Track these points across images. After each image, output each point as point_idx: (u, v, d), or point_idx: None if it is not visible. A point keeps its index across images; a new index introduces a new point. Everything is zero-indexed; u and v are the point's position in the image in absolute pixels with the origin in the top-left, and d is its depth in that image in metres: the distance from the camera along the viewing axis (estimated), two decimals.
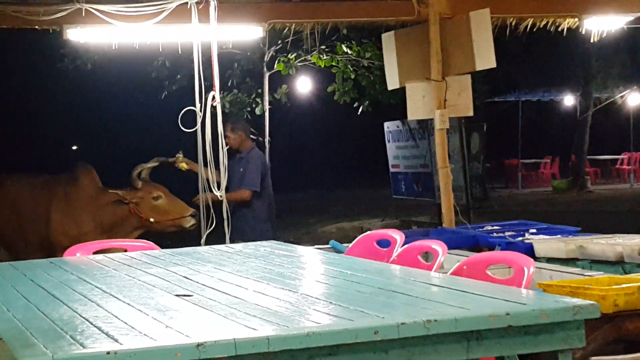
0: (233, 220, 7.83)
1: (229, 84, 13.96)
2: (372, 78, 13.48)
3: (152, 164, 8.46)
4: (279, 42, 13.13)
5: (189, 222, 8.21)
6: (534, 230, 6.86)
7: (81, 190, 8.52)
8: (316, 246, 6.78)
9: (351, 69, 13.28)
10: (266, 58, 13.39)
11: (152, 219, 8.24)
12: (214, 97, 6.72)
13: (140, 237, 7.87)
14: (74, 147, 27.30)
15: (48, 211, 8.52)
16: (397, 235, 4.63)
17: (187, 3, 6.79)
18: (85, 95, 23.09)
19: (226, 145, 8.18)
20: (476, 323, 2.65)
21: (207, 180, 6.92)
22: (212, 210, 6.87)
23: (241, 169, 8.18)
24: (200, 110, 6.70)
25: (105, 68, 14.87)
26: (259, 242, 5.17)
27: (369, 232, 5.04)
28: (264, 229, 8.11)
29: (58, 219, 8.46)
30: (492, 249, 6.25)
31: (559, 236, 6.56)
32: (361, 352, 2.57)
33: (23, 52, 20.38)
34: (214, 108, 6.73)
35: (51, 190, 8.66)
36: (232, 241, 6.68)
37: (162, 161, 8.48)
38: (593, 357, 3.99)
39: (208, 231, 6.86)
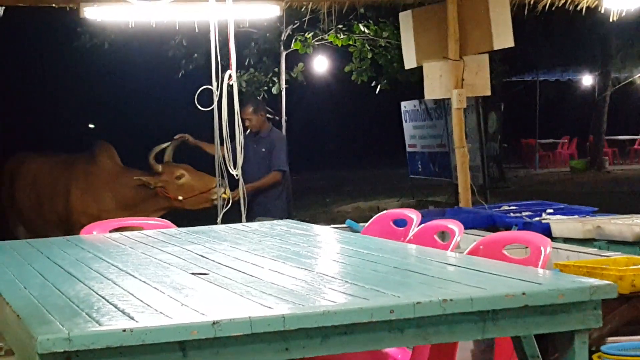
0: (259, 200, 7.99)
1: (246, 63, 13.94)
2: (389, 57, 13.44)
3: (168, 144, 8.45)
4: (296, 21, 13.09)
5: (216, 195, 8.18)
6: (551, 211, 6.83)
7: (101, 168, 8.53)
8: (332, 225, 6.78)
9: (368, 48, 13.23)
10: (283, 37, 13.35)
11: (180, 197, 8.26)
12: (230, 76, 6.70)
13: (161, 216, 7.88)
14: (91, 126, 27.34)
15: (67, 189, 8.54)
16: (414, 215, 4.62)
17: None
18: (102, 74, 23.12)
19: (246, 127, 8.15)
20: (492, 302, 2.64)
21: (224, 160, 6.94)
22: (228, 189, 6.86)
23: (263, 149, 8.20)
24: (217, 89, 6.69)
25: (122, 47, 14.88)
26: (274, 221, 5.17)
27: (385, 212, 5.03)
28: (285, 207, 8.18)
29: (77, 197, 8.48)
30: (508, 229, 6.23)
31: (576, 216, 6.53)
32: (377, 331, 2.57)
33: (40, 30, 20.41)
34: (230, 87, 6.71)
35: (71, 168, 8.68)
36: (255, 220, 6.71)
37: (182, 138, 8.46)
38: (610, 338, 3.98)
39: (225, 209, 6.86)
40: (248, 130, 8.25)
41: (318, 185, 20.96)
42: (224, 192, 7.46)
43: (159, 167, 8.28)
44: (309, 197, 17.99)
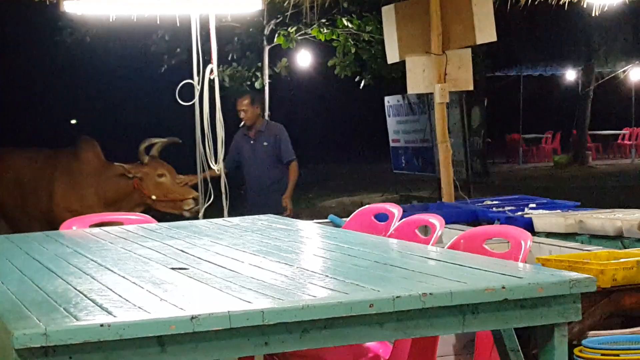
0: (267, 193, 8.11)
1: (229, 58, 13.92)
2: (373, 52, 13.42)
3: (160, 140, 8.43)
4: (279, 15, 13.06)
5: (189, 205, 8.17)
6: (534, 205, 6.84)
7: (84, 163, 8.49)
8: (315, 220, 6.77)
9: (352, 43, 13.21)
10: (266, 32, 13.32)
11: (153, 197, 8.21)
12: (211, 70, 6.68)
13: (143, 211, 7.84)
14: (73, 121, 27.24)
15: (51, 185, 8.50)
16: (395, 209, 4.61)
17: None
18: (84, 69, 23.01)
19: (240, 120, 8.26)
20: (472, 296, 2.64)
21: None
22: (209, 185, 6.84)
23: (265, 144, 8.22)
24: (198, 84, 6.67)
25: (104, 41, 14.82)
26: (256, 216, 5.15)
27: (366, 206, 5.02)
28: (280, 200, 8.17)
29: (60, 192, 8.45)
30: (491, 223, 6.23)
31: (558, 211, 6.53)
32: (356, 325, 2.56)
33: (21, 25, 20.30)
34: (212, 81, 6.69)
35: (54, 164, 8.64)
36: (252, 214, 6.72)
37: (174, 141, 8.48)
38: (591, 332, 3.98)
39: (206, 205, 6.84)
40: (242, 123, 8.26)
41: (301, 180, 20.89)
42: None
43: (146, 158, 8.25)
44: None
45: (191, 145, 6.95)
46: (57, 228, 5.76)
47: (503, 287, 2.65)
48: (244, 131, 8.39)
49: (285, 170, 8.27)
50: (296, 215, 8.73)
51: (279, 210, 7.54)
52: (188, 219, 6.99)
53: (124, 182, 8.25)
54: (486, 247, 3.70)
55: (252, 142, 8.27)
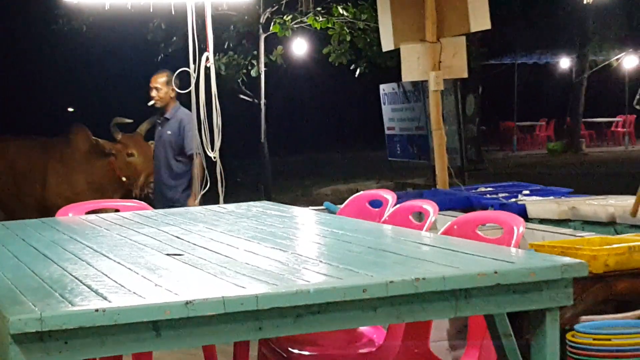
0: (169, 191, 7.25)
1: (225, 46, 13.92)
2: (368, 40, 13.44)
3: (125, 120, 8.36)
4: (275, 4, 13.06)
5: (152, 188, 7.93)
6: (527, 192, 6.86)
7: (75, 151, 8.52)
8: (311, 208, 6.78)
9: (347, 31, 13.23)
10: (262, 20, 13.33)
11: (124, 178, 8.14)
12: (207, 58, 6.69)
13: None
14: (70, 109, 27.21)
15: (44, 172, 8.53)
16: (389, 196, 4.63)
17: None
18: (81, 58, 22.98)
19: (154, 101, 7.40)
20: (465, 281, 2.66)
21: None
22: (206, 172, 6.86)
23: (168, 132, 7.36)
24: (194, 72, 6.68)
25: (100, 30, 14.81)
26: (251, 202, 5.17)
27: (361, 193, 5.04)
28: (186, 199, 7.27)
29: (54, 180, 8.48)
30: (485, 210, 6.26)
31: (551, 197, 6.56)
32: (350, 310, 2.58)
33: (17, 13, 20.26)
34: (208, 69, 6.71)
35: (47, 151, 8.68)
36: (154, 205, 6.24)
37: (153, 121, 8.44)
38: (583, 317, 4.01)
39: (203, 191, 6.86)
40: (151, 103, 7.49)
41: (297, 168, 20.97)
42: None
43: (119, 135, 8.20)
44: (288, 180, 18.00)
45: None
46: (50, 215, 5.78)
47: (495, 272, 2.67)
48: (157, 117, 7.64)
49: (191, 167, 7.20)
50: (292, 202, 8.74)
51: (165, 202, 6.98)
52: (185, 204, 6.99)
53: (109, 165, 8.24)
54: (479, 233, 3.73)
55: (159, 129, 7.47)
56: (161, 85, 7.37)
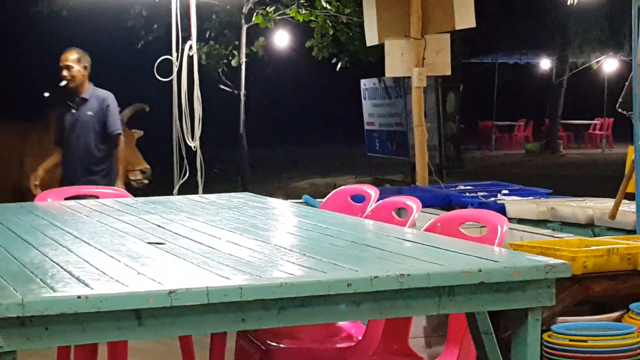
0: (91, 177, 6.83)
1: (207, 36, 13.87)
2: (350, 34, 13.44)
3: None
4: None
5: (136, 176, 7.88)
6: (507, 191, 6.90)
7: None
8: (289, 201, 6.77)
9: (330, 25, 13.21)
10: (244, 10, 13.29)
11: None
12: (190, 47, 6.67)
13: None
14: (46, 94, 27.02)
15: (22, 157, 8.47)
16: (372, 191, 4.63)
17: None
18: (61, 42, 22.79)
19: (67, 81, 6.93)
20: (449, 278, 2.65)
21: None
22: (185, 161, 6.83)
23: (89, 113, 6.90)
24: (177, 60, 6.65)
25: (81, 15, 14.72)
26: (232, 193, 5.15)
27: (343, 187, 5.03)
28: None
29: (30, 165, 8.41)
30: (464, 208, 6.27)
31: (530, 198, 6.59)
32: (333, 304, 2.57)
33: None
34: (190, 58, 6.68)
35: (25, 137, 8.61)
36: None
37: (141, 108, 8.40)
38: (560, 317, 4.02)
39: (182, 181, 6.83)
40: (63, 83, 7.04)
41: (275, 161, 20.94)
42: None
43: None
44: (265, 172, 17.97)
45: (168, 122, 6.93)
46: (27, 200, 5.73)
47: (479, 270, 2.67)
48: (67, 99, 7.09)
49: (114, 150, 6.92)
50: (269, 194, 8.70)
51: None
52: (164, 193, 6.95)
53: None
54: (462, 230, 3.73)
55: (73, 112, 6.96)
56: (73, 63, 6.92)
